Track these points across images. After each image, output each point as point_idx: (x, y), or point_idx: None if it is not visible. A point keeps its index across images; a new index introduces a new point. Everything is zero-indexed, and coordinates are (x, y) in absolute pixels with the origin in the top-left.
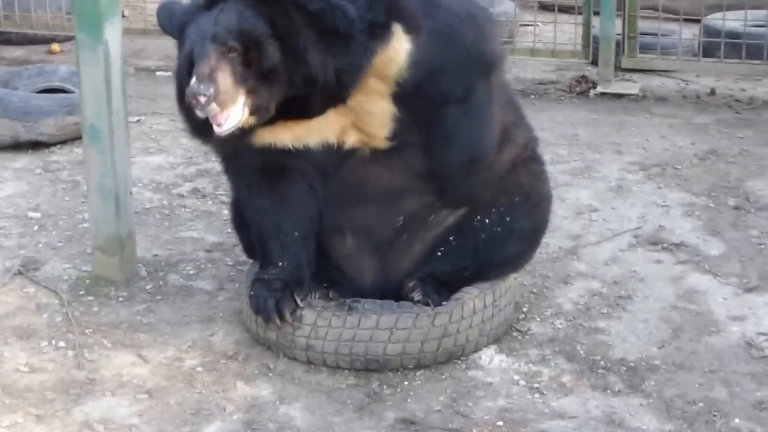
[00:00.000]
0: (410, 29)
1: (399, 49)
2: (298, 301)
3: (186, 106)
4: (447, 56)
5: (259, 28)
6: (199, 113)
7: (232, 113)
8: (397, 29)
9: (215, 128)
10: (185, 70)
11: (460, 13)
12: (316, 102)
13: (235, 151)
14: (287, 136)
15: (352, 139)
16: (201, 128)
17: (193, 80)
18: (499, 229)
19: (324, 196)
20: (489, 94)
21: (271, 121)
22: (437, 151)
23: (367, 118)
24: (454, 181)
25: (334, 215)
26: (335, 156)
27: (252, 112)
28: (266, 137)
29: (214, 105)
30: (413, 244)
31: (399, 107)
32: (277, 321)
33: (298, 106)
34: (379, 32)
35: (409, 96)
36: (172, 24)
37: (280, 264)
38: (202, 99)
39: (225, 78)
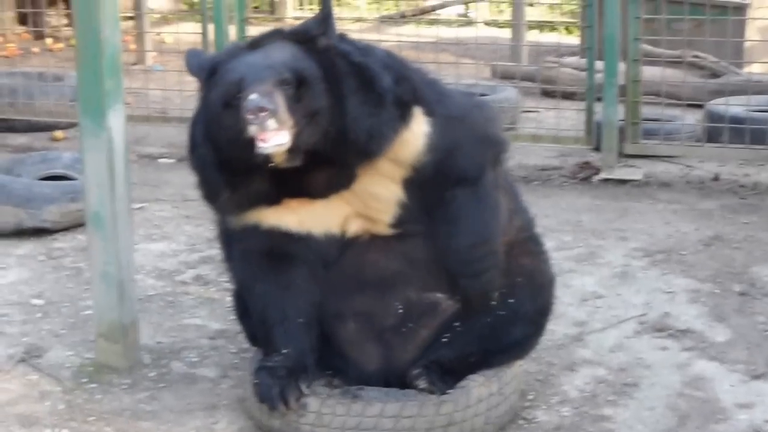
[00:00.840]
0: (429, 113)
1: (418, 132)
2: (303, 389)
3: (200, 156)
4: (462, 137)
5: (311, 68)
6: (253, 129)
7: (281, 136)
8: (418, 112)
9: (259, 144)
10: (222, 102)
11: (467, 102)
12: (321, 181)
13: (241, 230)
14: (292, 219)
15: (354, 227)
16: (214, 189)
17: (253, 95)
18: (503, 312)
19: (325, 283)
20: (496, 182)
21: (277, 201)
22: (443, 234)
23: (372, 202)
24: (460, 269)
25: (335, 302)
26: (337, 244)
27: (288, 149)
28: (271, 219)
29: (273, 121)
30: (417, 330)
31: (409, 192)
32: (282, 408)
33: (303, 184)
34: (401, 112)
35: (424, 178)
36: (201, 66)
37: (284, 351)
38: (262, 114)
39: (281, 101)
